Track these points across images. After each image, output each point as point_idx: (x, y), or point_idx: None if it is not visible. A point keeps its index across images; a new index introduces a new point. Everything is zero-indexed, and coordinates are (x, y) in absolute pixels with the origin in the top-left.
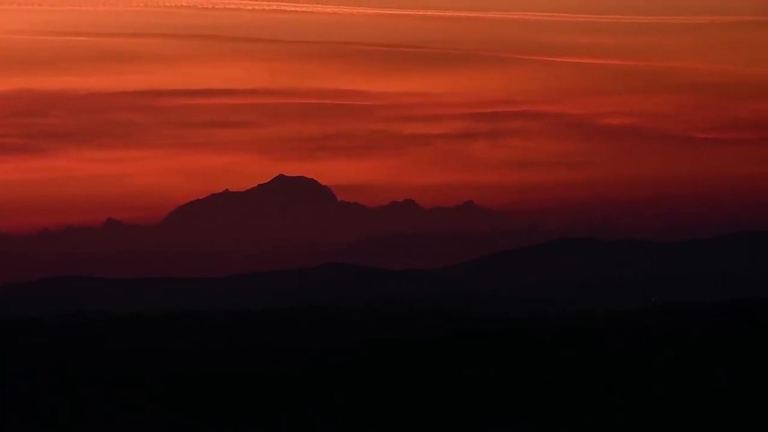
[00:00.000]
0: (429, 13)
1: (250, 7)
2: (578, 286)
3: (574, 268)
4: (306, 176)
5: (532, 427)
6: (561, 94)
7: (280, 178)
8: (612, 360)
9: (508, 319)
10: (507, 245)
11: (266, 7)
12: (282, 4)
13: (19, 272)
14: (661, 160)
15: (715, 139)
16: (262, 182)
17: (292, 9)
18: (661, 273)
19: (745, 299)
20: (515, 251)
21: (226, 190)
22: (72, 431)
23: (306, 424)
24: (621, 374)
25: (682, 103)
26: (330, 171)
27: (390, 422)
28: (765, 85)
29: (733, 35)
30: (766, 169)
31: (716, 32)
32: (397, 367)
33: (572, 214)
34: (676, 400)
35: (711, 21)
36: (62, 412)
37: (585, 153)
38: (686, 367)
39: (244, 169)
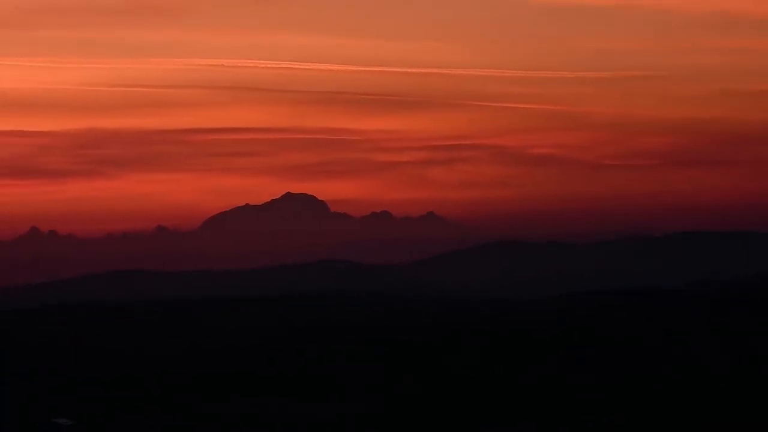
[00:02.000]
0: (398, 69)
1: (263, 66)
2: (513, 276)
3: (509, 262)
4: (307, 193)
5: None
6: (498, 131)
7: (288, 195)
8: (540, 332)
9: (460, 301)
10: (460, 246)
11: (277, 66)
12: (289, 63)
13: (90, 266)
14: (575, 180)
15: (617, 164)
16: (274, 198)
17: (297, 67)
18: (576, 267)
19: (641, 288)
20: (465, 250)
21: (246, 204)
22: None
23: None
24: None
25: (592, 137)
26: (325, 189)
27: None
28: (655, 124)
29: (632, 86)
30: (655, 188)
31: (619, 84)
32: (376, 328)
33: (508, 221)
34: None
35: (614, 75)
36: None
37: (517, 175)
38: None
39: (260, 188)
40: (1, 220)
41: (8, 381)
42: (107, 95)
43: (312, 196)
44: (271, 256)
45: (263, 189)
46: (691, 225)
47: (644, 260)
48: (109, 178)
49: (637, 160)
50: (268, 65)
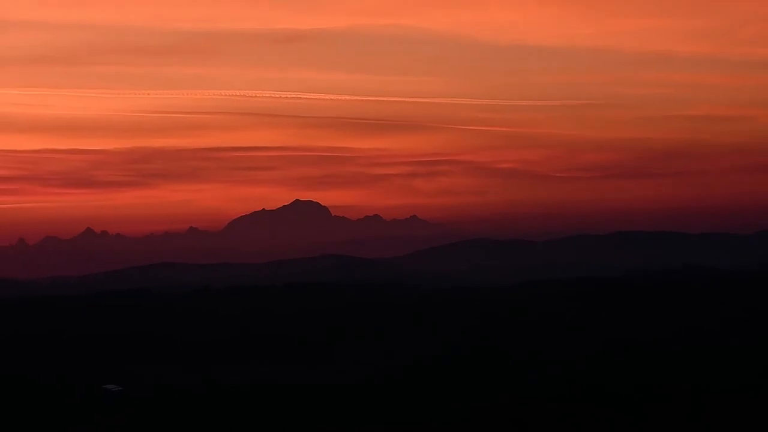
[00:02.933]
0: (387, 99)
1: (277, 96)
2: (481, 267)
3: (478, 256)
4: (312, 200)
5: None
6: (469, 149)
7: (296, 201)
8: (503, 313)
9: (437, 287)
10: (437, 243)
11: (288, 96)
12: (298, 94)
13: (135, 260)
14: (532, 189)
15: (565, 176)
16: (285, 204)
17: (304, 97)
18: (532, 260)
19: (584, 277)
20: (442, 246)
21: (263, 208)
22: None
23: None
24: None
25: (545, 154)
26: (327, 196)
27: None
28: (595, 144)
29: (576, 113)
30: (596, 195)
31: (566, 111)
32: (370, 311)
33: (477, 222)
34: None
35: (562, 104)
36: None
37: (485, 185)
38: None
39: (274, 196)
40: (62, 222)
41: (66, 353)
42: (150, 120)
43: (316, 202)
44: (283, 252)
45: (277, 196)
46: (626, 226)
47: (587, 254)
48: (151, 188)
49: (582, 173)
50: (281, 96)
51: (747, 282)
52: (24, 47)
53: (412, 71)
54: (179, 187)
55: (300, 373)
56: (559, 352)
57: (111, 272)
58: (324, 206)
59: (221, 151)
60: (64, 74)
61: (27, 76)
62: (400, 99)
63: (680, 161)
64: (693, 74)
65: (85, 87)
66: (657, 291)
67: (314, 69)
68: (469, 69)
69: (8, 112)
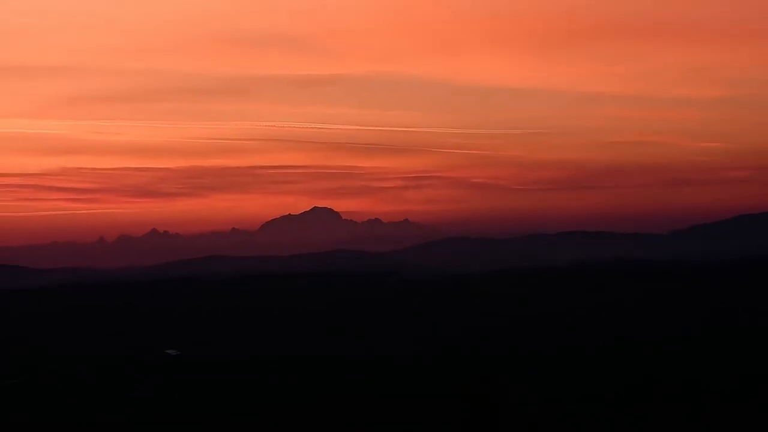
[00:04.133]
0: (386, 129)
1: (301, 126)
2: (460, 260)
3: (458, 251)
4: (327, 207)
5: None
6: (450, 167)
7: (315, 208)
8: (477, 295)
9: (425, 276)
10: (425, 241)
11: (309, 126)
12: (317, 124)
13: (190, 254)
14: (500, 199)
15: (526, 189)
16: (306, 210)
17: (321, 127)
18: (500, 254)
19: (541, 267)
20: (429, 243)
21: (289, 213)
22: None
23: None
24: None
25: (509, 172)
26: (339, 204)
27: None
28: (549, 163)
29: (533, 139)
30: (551, 204)
31: (524, 138)
32: (378, 299)
33: (456, 224)
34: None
35: (522, 132)
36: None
37: (462, 195)
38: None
39: (297, 204)
40: (133, 224)
41: (135, 324)
42: (202, 145)
43: (330, 208)
44: (304, 247)
45: (299, 204)
46: (568, 227)
47: (538, 249)
48: (202, 197)
49: (535, 186)
50: (304, 126)
51: (663, 269)
52: (105, 89)
53: (404, 107)
54: (224, 197)
55: (317, 342)
56: (514, 324)
57: (171, 263)
58: (336, 211)
59: (257, 169)
60: (136, 109)
61: (107, 110)
62: (394, 129)
63: (609, 177)
64: (619, 110)
65: (152, 119)
66: (592, 276)
67: (328, 106)
68: (448, 105)
69: (92, 138)
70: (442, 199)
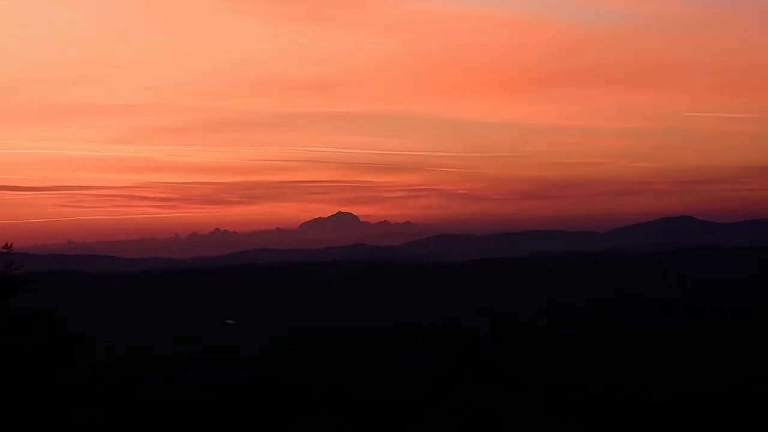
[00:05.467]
0: (390, 152)
1: (329, 150)
2: (444, 250)
3: (444, 245)
4: (348, 212)
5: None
6: (440, 182)
7: (339, 212)
8: (459, 279)
9: (420, 263)
10: (421, 237)
11: (335, 150)
12: (340, 149)
13: (245, 246)
14: (477, 207)
15: (496, 198)
16: (332, 214)
17: (344, 151)
18: (477, 246)
19: (507, 257)
20: (422, 240)
21: (319, 216)
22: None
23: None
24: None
25: (486, 185)
26: (357, 210)
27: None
28: (513, 179)
29: (505, 161)
30: (516, 210)
31: (499, 159)
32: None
33: (445, 225)
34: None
35: (497, 155)
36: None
37: (450, 203)
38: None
39: (326, 209)
40: (201, 224)
41: (203, 303)
42: (253, 164)
43: (351, 213)
44: (331, 242)
45: (328, 210)
46: (533, 227)
47: (512, 244)
48: (254, 205)
49: (507, 196)
50: (331, 150)
51: (602, 259)
52: (179, 122)
53: (404, 136)
54: (270, 204)
55: (342, 309)
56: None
57: (230, 254)
58: (355, 215)
59: (295, 183)
60: (203, 138)
61: (181, 138)
62: (398, 152)
63: (562, 189)
64: (571, 138)
65: (215, 145)
66: (549, 265)
67: (348, 135)
68: (438, 135)
69: (170, 159)
70: (434, 206)
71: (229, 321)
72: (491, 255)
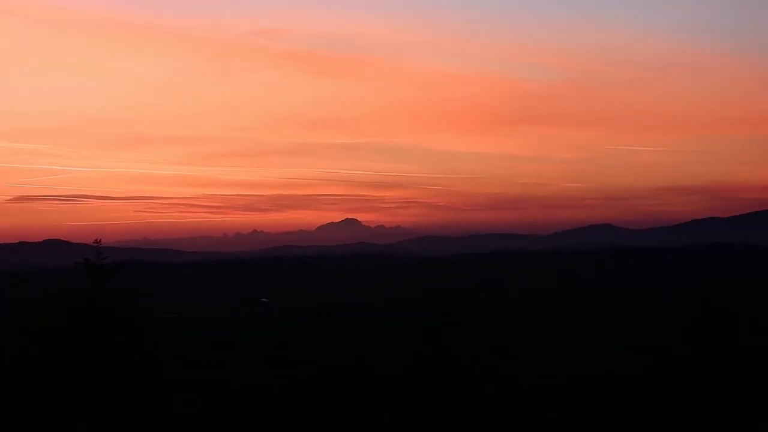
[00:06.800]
0: (388, 174)
1: (341, 172)
2: (431, 247)
3: (427, 244)
4: (354, 218)
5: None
6: (423, 197)
7: (347, 219)
8: (448, 271)
9: (410, 258)
10: (409, 238)
11: (345, 172)
12: (349, 171)
13: (274, 244)
14: (451, 215)
15: (467, 209)
16: (342, 219)
17: (352, 172)
18: (452, 248)
19: (482, 253)
20: (412, 239)
21: (331, 222)
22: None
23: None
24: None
25: (457, 200)
26: (361, 216)
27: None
28: (477, 195)
29: (475, 181)
30: (481, 219)
31: (468, 180)
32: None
33: (426, 228)
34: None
35: (467, 176)
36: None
37: (431, 213)
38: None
39: (337, 216)
40: (243, 226)
41: (244, 287)
42: (283, 181)
43: (355, 219)
44: (341, 241)
45: (338, 216)
46: (495, 231)
47: (478, 243)
48: (282, 212)
49: (473, 207)
50: (341, 171)
51: (546, 255)
52: (227, 149)
53: (397, 161)
54: (295, 212)
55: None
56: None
57: (264, 249)
58: (359, 220)
59: (314, 196)
60: (245, 161)
61: (228, 161)
62: (392, 174)
63: (517, 203)
64: (525, 165)
65: (254, 167)
66: (505, 260)
67: (355, 161)
68: (423, 161)
69: (220, 177)
70: (420, 214)
71: (263, 299)
72: (464, 251)
